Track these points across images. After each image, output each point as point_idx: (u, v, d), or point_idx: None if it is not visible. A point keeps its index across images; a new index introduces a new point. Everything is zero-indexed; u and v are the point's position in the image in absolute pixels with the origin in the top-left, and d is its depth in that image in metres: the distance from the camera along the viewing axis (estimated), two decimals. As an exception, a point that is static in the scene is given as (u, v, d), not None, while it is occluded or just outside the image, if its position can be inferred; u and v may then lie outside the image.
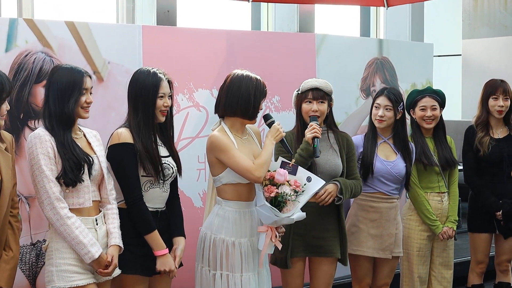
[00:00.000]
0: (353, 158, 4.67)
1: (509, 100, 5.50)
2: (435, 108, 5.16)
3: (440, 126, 5.24)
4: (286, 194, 4.03)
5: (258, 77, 4.22)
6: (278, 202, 4.02)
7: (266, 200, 4.02)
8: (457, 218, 5.25)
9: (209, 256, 4.15)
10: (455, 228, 5.20)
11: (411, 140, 5.18)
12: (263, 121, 4.36)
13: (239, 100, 4.14)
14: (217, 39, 5.42)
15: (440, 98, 5.19)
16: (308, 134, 4.41)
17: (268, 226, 4.10)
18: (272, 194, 4.01)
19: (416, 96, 5.22)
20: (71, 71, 3.75)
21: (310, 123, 4.46)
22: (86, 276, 3.73)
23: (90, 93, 3.80)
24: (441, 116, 5.23)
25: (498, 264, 5.74)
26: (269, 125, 4.25)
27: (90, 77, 3.82)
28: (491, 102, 5.52)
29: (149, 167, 3.90)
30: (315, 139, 4.38)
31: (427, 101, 5.15)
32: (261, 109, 4.26)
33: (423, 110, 5.15)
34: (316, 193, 4.30)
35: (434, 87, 5.45)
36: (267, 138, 4.17)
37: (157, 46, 5.09)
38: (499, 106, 5.49)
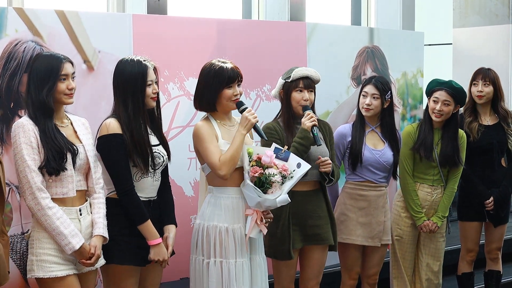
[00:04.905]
0: (333, 146, 4.72)
1: (490, 86, 5.52)
2: (448, 104, 5.09)
3: (453, 123, 5.17)
4: (271, 174, 4.01)
5: (221, 64, 4.11)
6: (262, 183, 4.01)
7: (251, 181, 4.03)
8: (445, 215, 5.22)
9: (203, 244, 4.13)
10: (439, 224, 5.19)
11: (416, 128, 5.17)
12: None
13: (199, 93, 4.16)
14: (208, 28, 5.41)
15: (457, 96, 5.10)
16: (308, 122, 4.39)
17: (254, 209, 4.09)
18: (256, 174, 4.01)
19: (434, 86, 5.16)
20: (49, 58, 3.70)
21: (307, 112, 4.46)
22: (66, 267, 3.68)
23: (73, 78, 3.74)
24: (456, 113, 5.16)
25: (488, 252, 5.77)
26: (242, 113, 4.12)
27: (72, 63, 3.76)
28: (472, 88, 5.56)
29: (138, 161, 3.87)
30: (314, 128, 4.39)
31: (441, 95, 5.09)
32: (241, 94, 4.15)
33: (435, 103, 5.12)
34: (306, 174, 4.24)
35: (425, 76, 5.43)
36: (237, 130, 4.08)
37: (147, 35, 5.08)
38: (478, 91, 5.52)
